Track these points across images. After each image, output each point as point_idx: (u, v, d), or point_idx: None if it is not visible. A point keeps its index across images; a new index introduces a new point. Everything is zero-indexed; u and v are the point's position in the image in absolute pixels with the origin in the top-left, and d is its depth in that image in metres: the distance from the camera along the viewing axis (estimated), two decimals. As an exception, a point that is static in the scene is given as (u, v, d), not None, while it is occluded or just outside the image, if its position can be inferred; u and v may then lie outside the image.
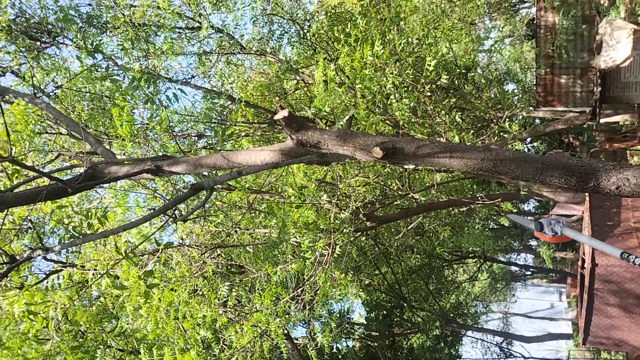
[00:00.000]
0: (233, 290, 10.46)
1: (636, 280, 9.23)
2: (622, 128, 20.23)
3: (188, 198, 5.65)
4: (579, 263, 9.90)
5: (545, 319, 37.99)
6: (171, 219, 5.63)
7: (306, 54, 12.04)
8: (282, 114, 4.05)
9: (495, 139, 13.72)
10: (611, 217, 9.86)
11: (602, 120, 18.91)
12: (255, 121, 10.50)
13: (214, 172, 6.85)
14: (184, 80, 11.60)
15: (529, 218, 4.17)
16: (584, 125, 21.44)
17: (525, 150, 28.65)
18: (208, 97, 8.45)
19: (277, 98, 3.68)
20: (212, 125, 9.12)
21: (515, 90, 26.70)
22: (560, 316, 37.09)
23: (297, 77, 12.47)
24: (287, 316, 10.81)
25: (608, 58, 11.17)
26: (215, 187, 11.02)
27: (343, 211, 11.20)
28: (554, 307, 39.41)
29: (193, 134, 9.77)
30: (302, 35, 12.43)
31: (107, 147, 7.17)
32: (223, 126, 9.39)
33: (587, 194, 10.77)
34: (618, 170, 3.78)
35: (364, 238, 16.41)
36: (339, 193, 10.62)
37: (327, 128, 9.47)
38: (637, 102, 12.50)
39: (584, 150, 21.89)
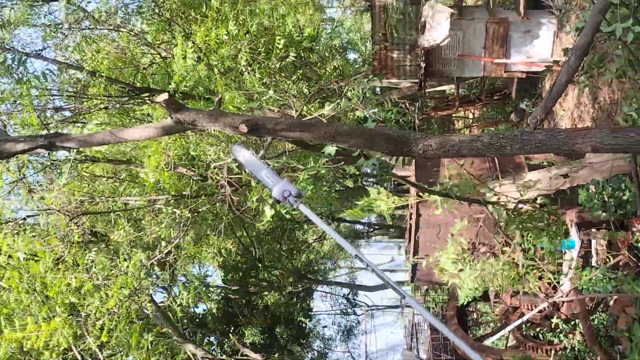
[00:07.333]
0: (97, 256, 10.78)
1: (447, 227, 11.06)
2: (448, 97, 22.76)
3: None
4: (408, 216, 11.61)
5: (387, 270, 41.49)
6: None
7: (161, 28, 12.31)
8: (162, 97, 4.84)
9: (339, 108, 14.97)
10: (432, 175, 11.69)
11: (431, 90, 21.23)
12: (112, 94, 10.80)
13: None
14: (35, 52, 11.50)
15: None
16: (418, 94, 23.74)
17: (367, 115, 30.59)
18: (61, 69, 8.67)
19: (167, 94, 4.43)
20: (70, 97, 9.36)
21: (358, 59, 28.57)
22: (400, 268, 40.69)
23: (153, 52, 12.77)
24: (151, 279, 11.41)
25: (430, 38, 12.88)
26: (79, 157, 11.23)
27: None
28: (394, 260, 43.12)
29: (49, 106, 9.90)
30: (156, 11, 12.69)
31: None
32: (81, 99, 9.67)
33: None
34: (424, 139, 5.15)
35: (218, 204, 17.17)
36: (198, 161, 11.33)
37: (187, 102, 10.11)
38: (455, 75, 14.49)
39: (418, 115, 24.14)
